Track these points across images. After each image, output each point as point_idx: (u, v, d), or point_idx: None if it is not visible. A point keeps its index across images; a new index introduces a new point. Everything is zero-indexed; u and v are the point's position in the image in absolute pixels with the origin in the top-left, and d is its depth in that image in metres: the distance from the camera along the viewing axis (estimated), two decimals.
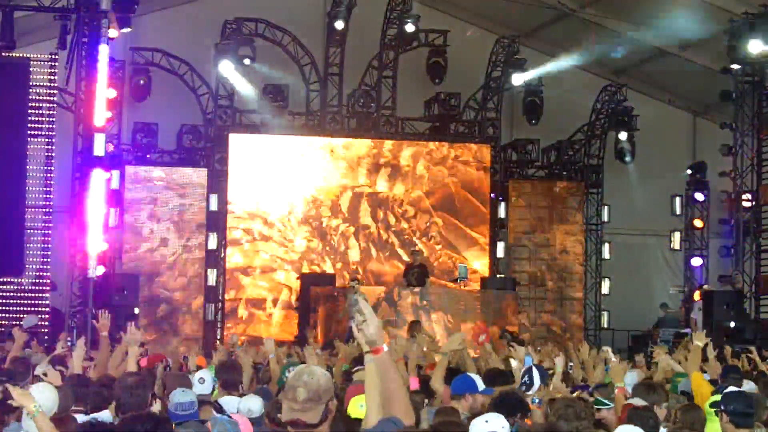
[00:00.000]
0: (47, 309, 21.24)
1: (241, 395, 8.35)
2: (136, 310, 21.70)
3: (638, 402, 7.82)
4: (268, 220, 25.12)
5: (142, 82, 24.35)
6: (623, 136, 26.58)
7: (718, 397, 7.23)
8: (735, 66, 24.39)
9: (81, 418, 6.96)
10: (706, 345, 10.14)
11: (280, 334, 23.86)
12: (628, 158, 26.81)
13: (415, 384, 8.35)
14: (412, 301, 21.94)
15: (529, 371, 8.22)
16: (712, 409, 7.17)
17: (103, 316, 10.43)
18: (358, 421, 5.07)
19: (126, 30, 20.92)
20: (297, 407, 4.46)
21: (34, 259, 21.63)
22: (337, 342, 14.28)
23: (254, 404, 7.78)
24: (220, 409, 7.72)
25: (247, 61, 24.20)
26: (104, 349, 10.32)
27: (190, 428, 6.68)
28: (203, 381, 8.64)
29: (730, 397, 7.12)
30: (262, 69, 25.01)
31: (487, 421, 6.08)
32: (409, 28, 25.03)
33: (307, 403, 4.46)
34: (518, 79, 25.96)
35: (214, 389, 8.82)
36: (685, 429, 7.28)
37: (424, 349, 12.20)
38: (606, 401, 8.23)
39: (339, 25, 25.16)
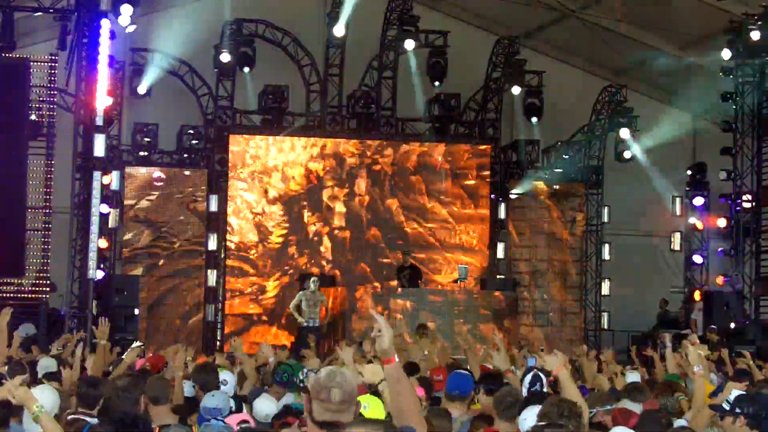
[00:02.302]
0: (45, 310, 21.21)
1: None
2: (136, 311, 21.65)
3: (628, 405, 7.80)
4: (267, 222, 25.09)
5: (142, 91, 24.30)
6: (623, 136, 26.55)
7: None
8: (735, 66, 24.38)
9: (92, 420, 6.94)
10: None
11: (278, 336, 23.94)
12: (628, 159, 26.78)
13: (420, 392, 8.26)
14: (405, 304, 21.94)
15: (527, 372, 8.20)
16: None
17: (103, 324, 10.43)
18: None
19: (131, 27, 21.00)
20: (333, 408, 4.52)
21: (34, 260, 21.63)
22: (337, 348, 14.20)
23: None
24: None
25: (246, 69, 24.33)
26: (100, 354, 10.34)
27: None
28: (226, 383, 8.65)
29: (744, 400, 7.01)
30: (262, 70, 24.99)
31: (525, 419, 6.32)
32: (409, 45, 24.91)
33: (343, 404, 4.52)
34: (518, 89, 26.05)
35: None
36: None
37: (436, 358, 12.09)
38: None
39: (339, 26, 25.12)
